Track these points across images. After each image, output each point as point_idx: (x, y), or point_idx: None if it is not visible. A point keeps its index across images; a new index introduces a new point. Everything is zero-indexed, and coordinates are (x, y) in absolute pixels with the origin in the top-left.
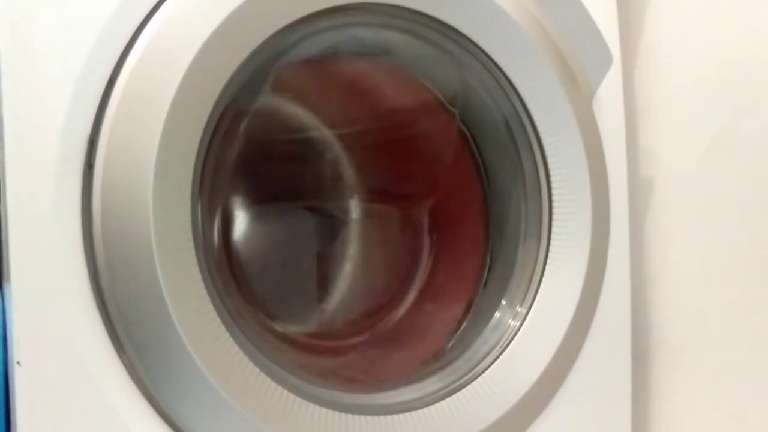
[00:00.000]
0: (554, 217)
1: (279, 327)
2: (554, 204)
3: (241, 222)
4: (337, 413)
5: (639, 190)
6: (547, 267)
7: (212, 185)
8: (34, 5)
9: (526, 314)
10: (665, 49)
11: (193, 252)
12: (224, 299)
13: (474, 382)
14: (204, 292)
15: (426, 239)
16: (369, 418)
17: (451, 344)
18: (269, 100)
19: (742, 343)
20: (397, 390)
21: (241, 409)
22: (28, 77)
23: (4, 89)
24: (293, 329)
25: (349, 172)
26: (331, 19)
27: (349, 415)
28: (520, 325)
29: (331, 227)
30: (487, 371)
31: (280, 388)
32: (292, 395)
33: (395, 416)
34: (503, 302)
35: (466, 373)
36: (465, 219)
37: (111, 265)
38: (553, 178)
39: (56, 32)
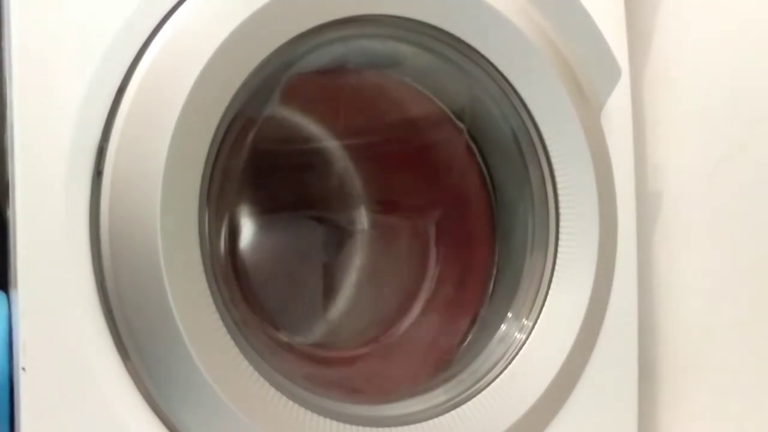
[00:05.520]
0: (561, 229)
1: (284, 337)
2: (561, 216)
3: (247, 231)
4: (341, 424)
5: (647, 203)
6: (553, 280)
7: (220, 194)
8: (46, 13)
9: (533, 327)
10: (674, 63)
11: (199, 260)
12: (230, 308)
13: (479, 395)
14: (210, 300)
15: (432, 251)
16: (374, 429)
17: (456, 356)
18: (278, 109)
19: (750, 357)
20: (402, 402)
21: (245, 419)
22: (39, 84)
23: (15, 96)
24: (298, 339)
25: (356, 182)
26: (340, 30)
27: (354, 427)
28: (526, 338)
29: (338, 237)
30: (493, 384)
31: (284, 398)
32: (296, 405)
33: (400, 428)
34: (509, 315)
35: (472, 386)
36: (471, 231)
37: (118, 272)
38: (560, 191)
39: (67, 40)
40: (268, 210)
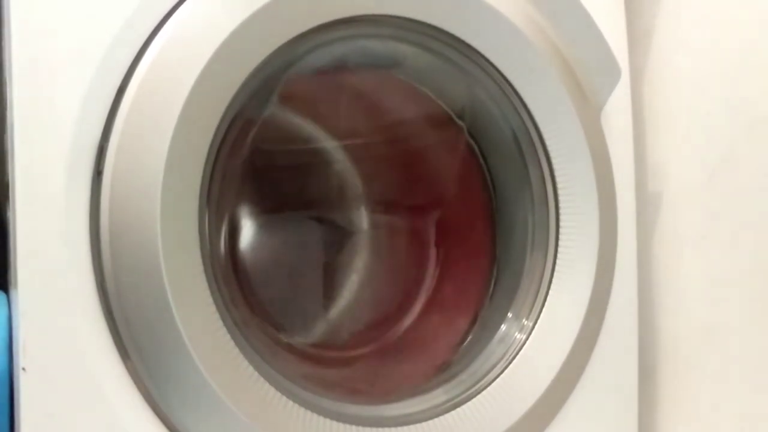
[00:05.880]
0: (561, 230)
1: (284, 337)
2: (561, 217)
3: (247, 231)
4: (341, 424)
5: (647, 204)
6: (553, 280)
7: (220, 194)
8: (46, 14)
9: (533, 327)
10: (674, 63)
11: (199, 261)
12: (230, 308)
13: (479, 395)
14: (210, 300)
15: (432, 251)
16: (374, 429)
17: (456, 357)
18: (277, 110)
19: (750, 357)
20: (402, 402)
21: (245, 419)
22: (39, 85)
23: (15, 96)
24: (299, 339)
25: (356, 183)
26: (340, 30)
27: (354, 427)
28: (527, 338)
29: (338, 238)
30: (493, 384)
31: (284, 398)
32: (296, 405)
33: (400, 428)
34: (509, 315)
35: (472, 386)
36: (472, 231)
37: (118, 272)
38: (560, 191)
39: (67, 41)
40: (268, 210)
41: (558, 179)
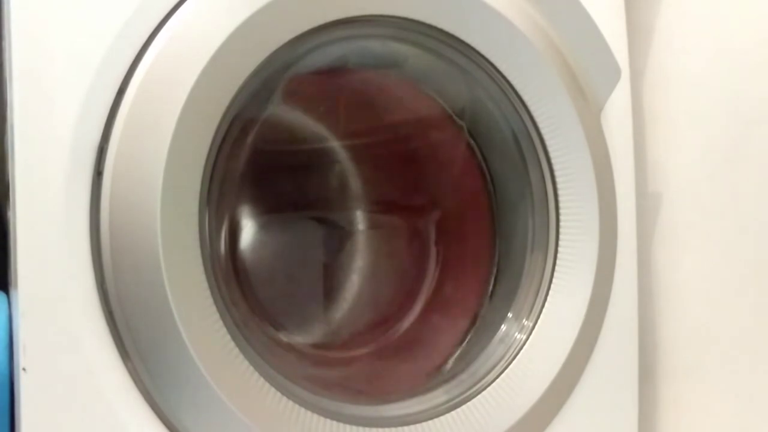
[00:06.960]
0: (561, 230)
1: (284, 337)
2: (561, 217)
3: (248, 231)
4: (341, 424)
5: (647, 204)
6: (553, 280)
7: (220, 194)
8: (47, 15)
9: (533, 327)
10: (674, 63)
11: (200, 261)
12: (230, 308)
13: (479, 396)
14: (210, 301)
15: (432, 251)
16: (374, 429)
17: (456, 357)
18: (278, 110)
19: (750, 358)
20: (402, 402)
21: (245, 419)
22: (39, 85)
23: (15, 97)
24: (299, 339)
25: (356, 183)
26: (341, 30)
27: (354, 427)
28: (527, 339)
29: (338, 238)
30: (493, 384)
31: (284, 398)
32: (296, 406)
33: (400, 428)
34: (509, 315)
35: (472, 386)
36: (472, 231)
37: (118, 272)
38: (560, 192)
39: (67, 41)
40: (268, 210)
41: (558, 179)
